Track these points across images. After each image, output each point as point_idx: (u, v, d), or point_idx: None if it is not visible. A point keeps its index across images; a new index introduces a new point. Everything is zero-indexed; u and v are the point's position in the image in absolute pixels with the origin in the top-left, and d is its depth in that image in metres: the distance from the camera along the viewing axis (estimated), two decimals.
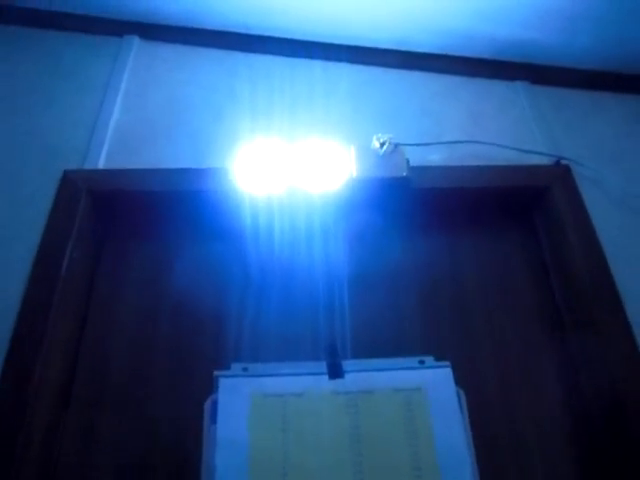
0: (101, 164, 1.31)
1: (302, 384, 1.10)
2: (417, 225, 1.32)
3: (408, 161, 1.26)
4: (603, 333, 1.10)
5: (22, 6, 1.61)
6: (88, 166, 1.30)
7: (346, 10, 1.46)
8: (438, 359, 1.14)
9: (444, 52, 1.56)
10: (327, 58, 1.54)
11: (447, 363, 1.13)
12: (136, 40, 1.57)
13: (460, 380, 1.10)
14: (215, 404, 1.07)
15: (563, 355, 1.18)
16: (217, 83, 1.49)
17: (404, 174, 1.25)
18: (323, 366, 1.13)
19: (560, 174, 1.31)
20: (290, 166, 1.23)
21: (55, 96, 1.44)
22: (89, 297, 1.21)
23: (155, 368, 1.14)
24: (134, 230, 1.30)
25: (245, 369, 1.12)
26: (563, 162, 1.34)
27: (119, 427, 1.08)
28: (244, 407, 1.07)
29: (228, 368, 1.12)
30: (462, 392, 1.09)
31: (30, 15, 1.60)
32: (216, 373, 1.10)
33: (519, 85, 1.52)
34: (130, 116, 1.41)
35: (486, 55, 1.56)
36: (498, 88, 1.52)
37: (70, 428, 1.07)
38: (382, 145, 1.25)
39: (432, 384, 1.10)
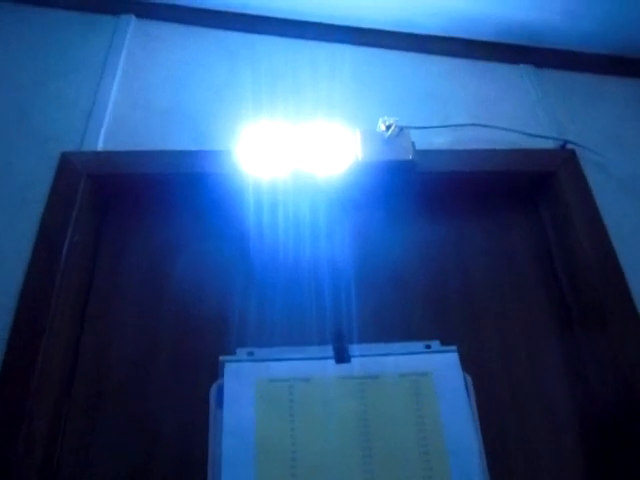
0: (99, 146, 1.27)
1: (309, 369, 1.09)
2: (423, 209, 1.31)
3: (414, 144, 1.24)
4: (610, 321, 1.10)
5: None
6: (86, 148, 1.26)
7: None
8: (444, 343, 1.14)
9: (449, 34, 1.54)
10: (330, 40, 1.51)
11: (454, 348, 1.13)
12: (133, 19, 1.53)
13: (466, 366, 1.10)
14: (221, 389, 1.06)
15: (570, 345, 1.18)
16: (217, 64, 1.45)
17: (410, 157, 1.23)
18: (329, 350, 1.12)
19: (566, 158, 1.30)
20: (295, 149, 1.21)
21: (50, 76, 1.39)
22: (90, 282, 1.19)
23: (158, 355, 1.12)
24: (135, 213, 1.27)
25: (251, 354, 1.11)
26: (568, 146, 1.33)
27: (122, 415, 1.06)
28: (250, 392, 1.06)
29: (233, 353, 1.10)
30: (469, 377, 1.09)
31: None
32: (221, 358, 1.09)
33: (523, 68, 1.51)
34: (128, 97, 1.37)
35: (491, 38, 1.54)
36: (503, 71, 1.50)
37: (72, 419, 1.05)
38: (388, 128, 1.23)
39: (439, 369, 1.10)
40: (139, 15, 1.54)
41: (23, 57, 1.45)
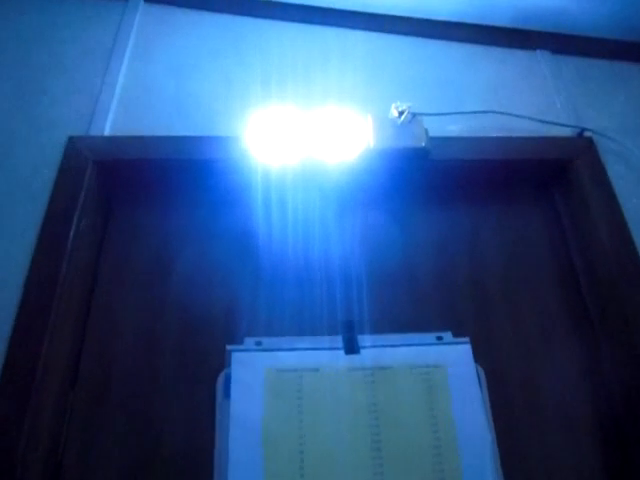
0: (107, 131, 1.25)
1: (318, 359, 1.07)
2: (436, 197, 1.28)
3: (427, 131, 1.21)
4: (629, 315, 1.07)
5: None
6: (93, 133, 1.24)
7: None
8: (456, 335, 1.11)
9: (462, 20, 1.50)
10: (342, 25, 1.47)
11: (466, 339, 1.11)
12: (141, 3, 1.50)
13: (479, 358, 1.08)
14: (228, 379, 1.04)
15: (587, 338, 1.15)
16: (226, 49, 1.42)
17: (423, 144, 1.20)
18: (339, 341, 1.10)
19: (583, 146, 1.27)
20: (305, 135, 1.18)
21: (58, 61, 1.37)
22: (97, 269, 1.17)
23: (164, 346, 1.10)
24: (142, 199, 1.25)
25: (259, 343, 1.09)
26: (586, 134, 1.29)
27: (128, 405, 1.04)
28: (258, 382, 1.04)
29: (241, 343, 1.09)
30: (482, 370, 1.07)
31: None
32: (229, 347, 1.08)
33: (540, 54, 1.47)
34: (136, 82, 1.35)
35: (506, 23, 1.50)
36: (519, 57, 1.46)
37: (77, 411, 1.03)
38: (401, 114, 1.20)
39: (451, 361, 1.08)
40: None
41: (31, 42, 1.42)
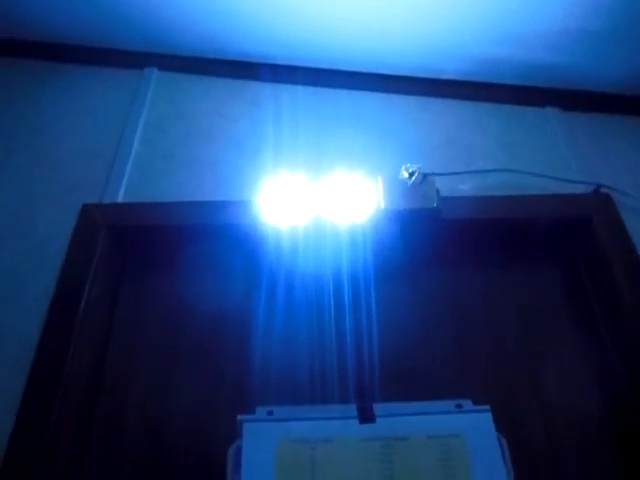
0: (120, 198, 1.27)
1: (331, 429, 1.03)
2: (449, 258, 1.26)
3: (438, 191, 1.20)
4: None
5: (43, 41, 1.61)
6: (107, 200, 1.27)
7: (370, 38, 1.43)
8: (476, 402, 1.07)
9: (469, 79, 1.52)
10: (352, 87, 1.51)
11: (487, 407, 1.05)
12: (155, 72, 1.56)
13: (500, 426, 1.03)
14: (239, 451, 1.00)
15: (615, 402, 1.09)
16: (239, 114, 1.46)
17: (434, 205, 1.19)
18: (353, 409, 1.06)
19: (600, 203, 1.24)
20: (316, 200, 1.18)
21: (75, 130, 1.42)
22: (108, 335, 1.16)
23: (175, 414, 1.08)
24: (155, 266, 1.26)
25: (270, 413, 1.06)
26: (602, 190, 1.27)
27: (139, 475, 1.01)
28: (270, 454, 1.00)
29: (253, 412, 1.05)
30: (504, 440, 1.02)
31: (52, 49, 1.61)
32: (240, 417, 1.04)
33: (549, 111, 1.47)
34: (150, 148, 1.38)
35: (513, 81, 1.52)
36: (528, 115, 1.47)
37: None
38: (411, 175, 1.20)
39: (471, 430, 1.03)
40: (162, 68, 1.57)
41: (50, 111, 1.48)
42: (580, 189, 1.29)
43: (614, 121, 1.44)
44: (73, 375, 1.03)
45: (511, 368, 1.13)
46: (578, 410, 1.09)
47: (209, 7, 1.41)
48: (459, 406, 1.06)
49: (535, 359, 1.14)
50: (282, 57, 1.54)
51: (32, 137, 1.42)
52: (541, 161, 1.35)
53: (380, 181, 1.21)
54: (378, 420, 1.05)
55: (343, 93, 1.50)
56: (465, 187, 1.28)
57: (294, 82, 1.53)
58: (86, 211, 1.22)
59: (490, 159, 1.34)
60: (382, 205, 1.19)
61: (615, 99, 1.47)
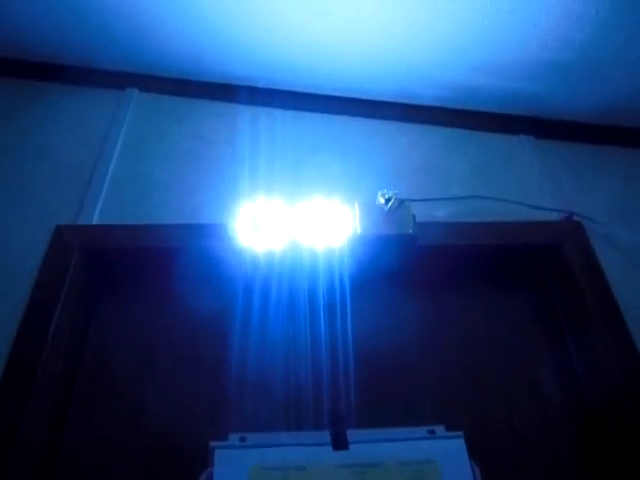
0: (95, 219, 1.26)
1: (304, 456, 1.02)
2: (424, 283, 1.27)
3: (414, 217, 1.22)
4: (631, 408, 1.03)
5: (26, 60, 1.60)
6: (82, 221, 1.25)
7: (349, 63, 1.46)
8: (449, 428, 1.07)
9: (446, 105, 1.55)
10: (330, 111, 1.52)
11: (459, 433, 1.06)
12: (135, 93, 1.56)
13: (473, 452, 1.03)
14: (211, 477, 0.99)
15: (585, 431, 1.11)
16: (217, 137, 1.46)
17: (410, 231, 1.20)
18: (326, 436, 1.05)
19: (571, 230, 1.27)
20: (292, 224, 1.19)
21: (52, 150, 1.41)
22: (78, 359, 1.14)
23: (145, 440, 1.06)
24: (129, 288, 1.25)
25: (243, 439, 1.05)
26: (574, 218, 1.29)
27: None
28: None
29: (225, 438, 1.04)
30: (477, 467, 1.02)
31: (34, 68, 1.60)
32: (212, 444, 1.03)
33: (524, 139, 1.50)
34: (127, 170, 1.37)
35: (489, 108, 1.55)
36: (503, 142, 1.50)
37: None
38: (387, 201, 1.21)
39: (444, 456, 1.03)
40: (142, 89, 1.57)
41: (29, 131, 1.47)
42: (552, 216, 1.31)
43: (586, 150, 1.48)
44: (40, 401, 1.01)
45: (485, 395, 1.14)
46: (549, 436, 1.09)
47: (191, 29, 1.42)
48: (432, 432, 1.06)
49: (509, 386, 1.15)
50: (262, 80, 1.55)
51: (6, 156, 1.40)
52: (515, 188, 1.37)
53: (357, 206, 1.22)
54: (351, 446, 1.04)
55: (322, 117, 1.51)
56: (440, 213, 1.29)
57: (273, 105, 1.54)
58: (59, 232, 1.20)
59: (466, 185, 1.36)
60: (358, 230, 1.19)
61: (587, 128, 1.51)
